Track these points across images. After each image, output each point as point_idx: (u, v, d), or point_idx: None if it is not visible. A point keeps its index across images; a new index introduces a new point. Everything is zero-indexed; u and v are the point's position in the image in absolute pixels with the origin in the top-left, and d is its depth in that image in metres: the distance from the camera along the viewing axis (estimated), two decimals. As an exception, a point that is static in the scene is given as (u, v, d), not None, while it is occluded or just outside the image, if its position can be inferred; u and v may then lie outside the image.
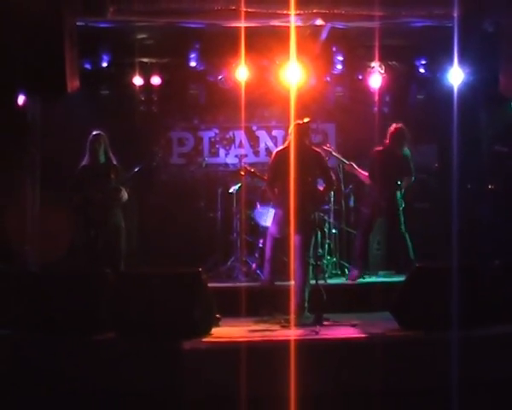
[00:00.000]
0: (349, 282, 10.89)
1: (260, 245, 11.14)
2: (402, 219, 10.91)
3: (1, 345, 7.76)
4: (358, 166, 11.19)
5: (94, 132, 9.93)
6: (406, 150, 11.09)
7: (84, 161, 9.91)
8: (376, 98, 12.59)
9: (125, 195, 9.82)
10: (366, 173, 11.09)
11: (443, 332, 7.57)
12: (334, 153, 11.43)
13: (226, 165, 13.32)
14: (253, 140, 13.67)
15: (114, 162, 9.93)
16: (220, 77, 12.44)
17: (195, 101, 13.40)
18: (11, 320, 7.99)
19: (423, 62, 12.74)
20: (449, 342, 7.38)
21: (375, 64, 12.43)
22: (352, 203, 12.12)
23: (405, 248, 10.80)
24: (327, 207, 11.59)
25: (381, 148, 11.00)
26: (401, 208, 10.92)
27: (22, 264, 10.99)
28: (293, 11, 9.75)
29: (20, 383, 7.47)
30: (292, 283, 9.23)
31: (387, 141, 11.00)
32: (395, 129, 10.95)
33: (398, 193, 10.94)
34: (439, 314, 7.68)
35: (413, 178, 11.13)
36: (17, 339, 7.81)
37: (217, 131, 13.57)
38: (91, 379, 7.45)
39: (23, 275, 8.77)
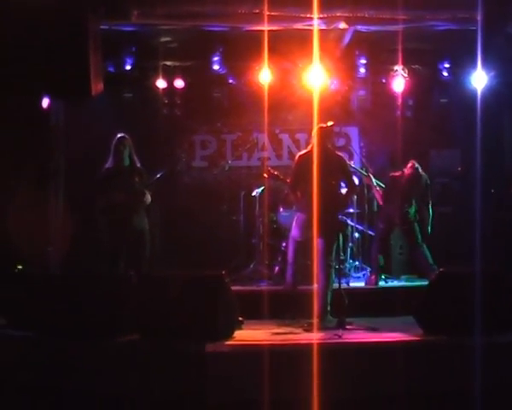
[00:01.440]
0: (369, 286, 10.87)
1: (283, 248, 11.14)
2: (418, 230, 10.90)
3: (23, 347, 7.81)
4: (379, 174, 11.16)
5: (119, 135, 9.93)
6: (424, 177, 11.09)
7: (108, 164, 9.92)
8: (399, 102, 12.56)
9: (148, 198, 9.83)
10: (380, 193, 11.10)
11: (466, 337, 7.55)
12: (352, 165, 11.37)
13: (249, 168, 13.30)
14: (276, 143, 13.65)
15: (138, 165, 9.94)
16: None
17: (218, 104, 13.43)
18: (33, 322, 8.02)
19: (447, 66, 12.70)
20: (472, 347, 7.35)
21: (399, 68, 12.41)
22: (375, 207, 12.07)
23: (424, 259, 10.79)
24: (351, 210, 11.58)
25: (398, 174, 11.00)
26: (416, 222, 10.91)
27: (45, 266, 11.06)
28: (316, 15, 9.74)
29: (41, 384, 7.51)
30: (314, 286, 9.23)
31: (406, 172, 10.99)
32: (411, 169, 11.02)
33: (413, 209, 10.92)
34: (463, 319, 7.64)
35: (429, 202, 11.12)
36: (39, 341, 7.85)
37: (240, 134, 13.57)
38: (113, 381, 7.48)
39: (46, 277, 8.82)
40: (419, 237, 10.90)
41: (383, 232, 11.16)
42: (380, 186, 11.19)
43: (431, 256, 10.78)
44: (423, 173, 11.09)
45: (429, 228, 11.06)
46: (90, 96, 8.91)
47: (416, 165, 10.99)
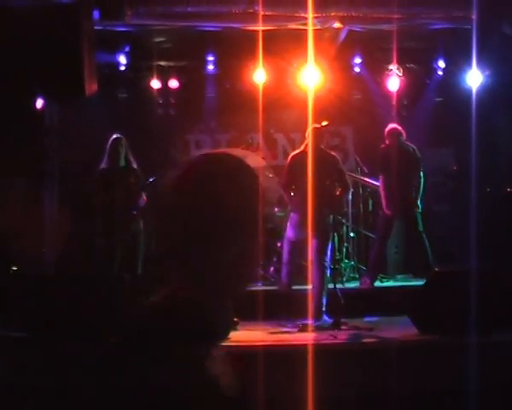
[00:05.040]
0: (365, 287, 10.80)
1: (278, 249, 11.09)
2: (420, 219, 10.75)
3: (16, 348, 7.78)
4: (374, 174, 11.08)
5: (114, 136, 9.90)
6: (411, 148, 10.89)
7: (103, 164, 9.88)
8: (394, 101, 12.54)
9: (143, 199, 9.81)
10: (372, 181, 11.01)
11: (462, 337, 7.53)
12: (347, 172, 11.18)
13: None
14: (271, 143, 13.62)
15: (134, 166, 9.91)
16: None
17: (213, 104, 13.40)
18: (27, 323, 8.00)
19: (441, 65, 12.71)
20: (468, 346, 7.34)
21: (393, 67, 12.41)
22: (370, 207, 12.05)
23: (424, 251, 10.66)
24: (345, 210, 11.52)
25: (384, 146, 10.86)
26: (419, 209, 10.76)
27: (40, 267, 11.03)
28: (310, 14, 9.73)
29: (34, 386, 7.49)
30: (309, 286, 9.22)
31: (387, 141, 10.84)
32: (389, 130, 10.83)
33: (414, 194, 10.78)
34: (458, 319, 7.63)
35: (421, 176, 10.88)
36: (33, 342, 7.82)
37: (234, 133, 13.53)
38: (107, 383, 7.44)
39: (40, 278, 8.79)
40: (420, 226, 10.71)
41: (385, 222, 10.88)
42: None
43: (431, 254, 10.63)
44: (407, 143, 10.82)
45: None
46: (84, 96, 8.89)
47: (397, 132, 10.75)
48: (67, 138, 12.13)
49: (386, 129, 10.83)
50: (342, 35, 11.21)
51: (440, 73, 12.83)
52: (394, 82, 12.57)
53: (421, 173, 10.74)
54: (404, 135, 10.76)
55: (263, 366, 7.19)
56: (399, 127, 10.81)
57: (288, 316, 9.15)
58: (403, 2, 9.80)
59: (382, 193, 10.75)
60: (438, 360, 7.53)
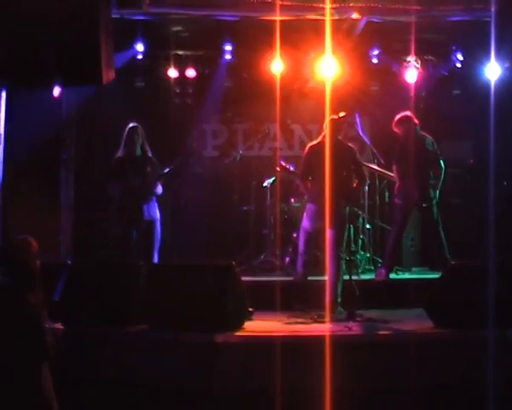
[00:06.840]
0: (380, 279, 10.74)
1: (294, 239, 11.08)
2: (436, 211, 10.68)
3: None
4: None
5: (131, 124, 9.88)
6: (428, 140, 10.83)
7: (120, 153, 9.88)
8: (412, 93, 12.47)
9: (160, 188, 9.81)
10: (389, 173, 10.97)
11: (478, 331, 7.50)
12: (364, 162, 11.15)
13: (260, 158, 13.23)
14: (288, 133, 13.57)
15: (150, 155, 9.90)
16: None
17: (230, 93, 13.36)
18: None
19: (460, 57, 12.63)
20: (484, 341, 7.30)
21: (411, 58, 12.35)
22: (386, 198, 12.00)
23: (440, 243, 10.60)
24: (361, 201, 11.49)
25: (401, 135, 10.79)
26: (435, 200, 10.69)
27: (55, 255, 11.06)
28: (328, 4, 9.71)
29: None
30: (325, 277, 9.20)
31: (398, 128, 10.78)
32: (401, 117, 10.77)
33: (431, 185, 10.72)
34: (474, 313, 7.59)
35: (442, 166, 10.83)
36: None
37: (251, 123, 13.50)
38: (123, 370, 7.47)
39: (56, 266, 8.80)
40: (437, 217, 10.64)
41: (402, 211, 10.75)
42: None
43: (447, 247, 10.57)
44: (425, 135, 10.79)
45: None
46: (101, 84, 8.89)
47: (411, 120, 10.68)
48: (84, 127, 12.16)
49: (398, 116, 10.74)
50: (360, 26, 11.15)
51: (459, 65, 12.74)
52: (412, 74, 12.51)
53: (442, 164, 10.68)
54: (418, 123, 10.70)
55: (277, 356, 7.20)
56: (411, 115, 10.73)
57: (303, 307, 9.14)
58: (421, -7, 9.79)
59: (398, 183, 10.71)
60: (453, 354, 7.50)
